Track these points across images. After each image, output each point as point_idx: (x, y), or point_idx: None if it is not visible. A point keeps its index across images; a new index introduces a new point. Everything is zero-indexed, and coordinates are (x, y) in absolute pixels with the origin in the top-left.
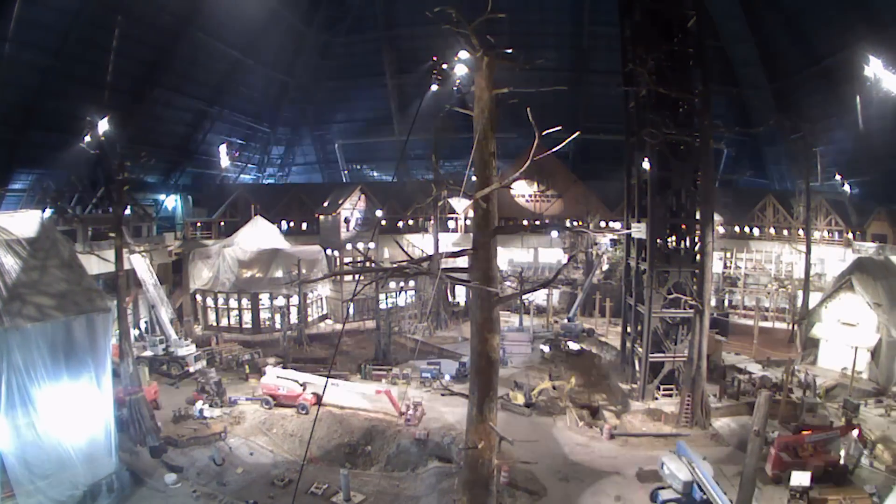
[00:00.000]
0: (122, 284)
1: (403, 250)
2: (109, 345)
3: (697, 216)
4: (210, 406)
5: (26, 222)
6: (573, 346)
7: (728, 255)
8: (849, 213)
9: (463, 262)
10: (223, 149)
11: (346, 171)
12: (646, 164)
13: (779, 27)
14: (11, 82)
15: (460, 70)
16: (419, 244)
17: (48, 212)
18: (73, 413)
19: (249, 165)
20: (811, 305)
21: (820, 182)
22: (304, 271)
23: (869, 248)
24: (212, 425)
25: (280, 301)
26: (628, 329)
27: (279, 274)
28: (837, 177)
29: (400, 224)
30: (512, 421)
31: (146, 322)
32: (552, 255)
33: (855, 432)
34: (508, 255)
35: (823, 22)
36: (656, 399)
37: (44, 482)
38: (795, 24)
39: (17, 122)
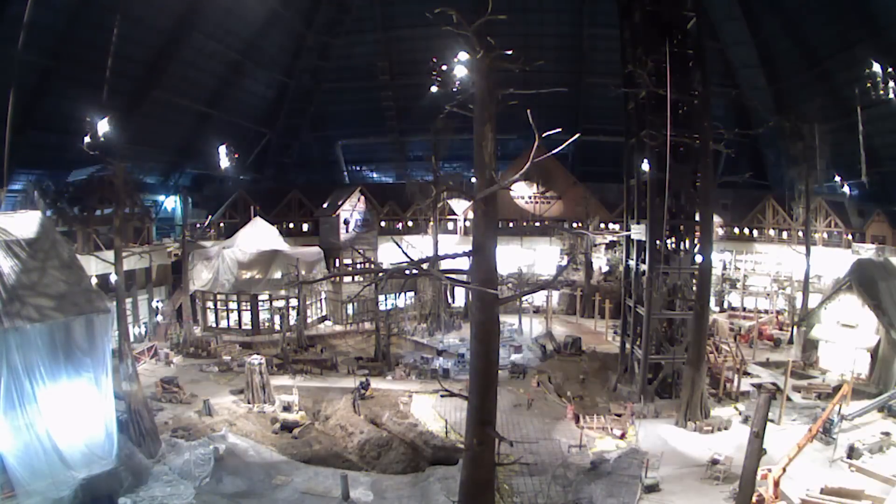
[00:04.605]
0: (120, 285)
1: (403, 252)
2: (109, 346)
3: (697, 217)
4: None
5: (26, 223)
6: None
7: (727, 256)
8: (848, 214)
9: (463, 263)
10: (223, 150)
11: (345, 173)
12: (645, 166)
13: (778, 29)
14: (11, 82)
15: (460, 71)
16: (419, 245)
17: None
18: (73, 413)
19: (249, 166)
20: (811, 307)
21: (819, 184)
22: (303, 272)
23: (868, 249)
24: (211, 424)
25: (279, 302)
26: (627, 330)
27: (278, 275)
28: (837, 178)
29: (399, 225)
30: None
31: (145, 323)
32: (552, 256)
33: None
34: (507, 256)
35: (823, 24)
36: (654, 400)
37: (43, 482)
38: (795, 26)
39: (16, 122)
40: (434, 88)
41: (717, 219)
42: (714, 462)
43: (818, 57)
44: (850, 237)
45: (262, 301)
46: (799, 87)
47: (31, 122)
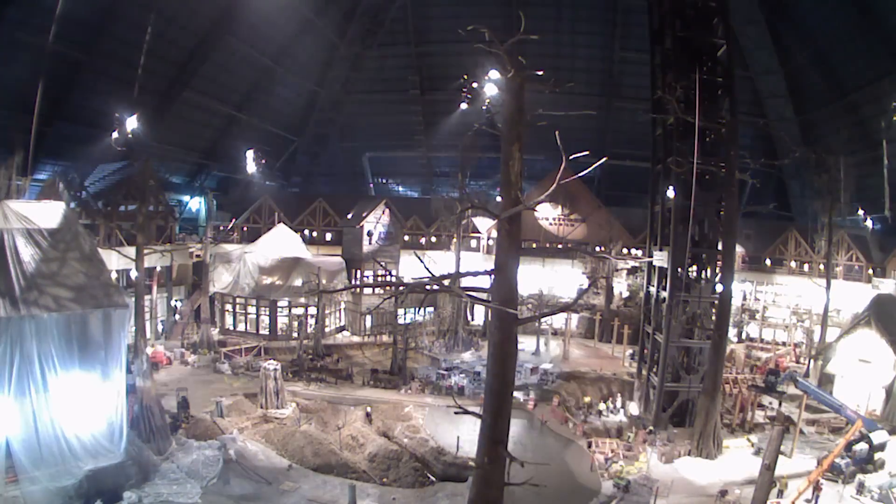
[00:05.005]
0: (140, 282)
1: (425, 267)
2: (125, 340)
3: (719, 247)
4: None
5: (50, 213)
6: None
7: (748, 286)
8: (870, 248)
9: (483, 281)
10: (250, 154)
11: (371, 185)
12: (670, 193)
13: (808, 60)
14: (43, 73)
15: (490, 90)
16: (441, 262)
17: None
18: (83, 405)
19: (275, 172)
20: (828, 341)
21: (842, 216)
22: (324, 282)
23: (889, 284)
24: (221, 425)
25: (298, 309)
26: (645, 357)
27: (299, 282)
28: (860, 212)
29: (423, 240)
30: None
31: (162, 321)
32: (573, 278)
33: None
34: (529, 277)
35: (852, 56)
36: (668, 428)
37: (48, 470)
38: (824, 57)
39: (44, 112)
40: (463, 105)
41: (739, 249)
42: (723, 493)
43: (846, 89)
44: (870, 272)
45: (282, 307)
46: (826, 118)
47: (60, 113)
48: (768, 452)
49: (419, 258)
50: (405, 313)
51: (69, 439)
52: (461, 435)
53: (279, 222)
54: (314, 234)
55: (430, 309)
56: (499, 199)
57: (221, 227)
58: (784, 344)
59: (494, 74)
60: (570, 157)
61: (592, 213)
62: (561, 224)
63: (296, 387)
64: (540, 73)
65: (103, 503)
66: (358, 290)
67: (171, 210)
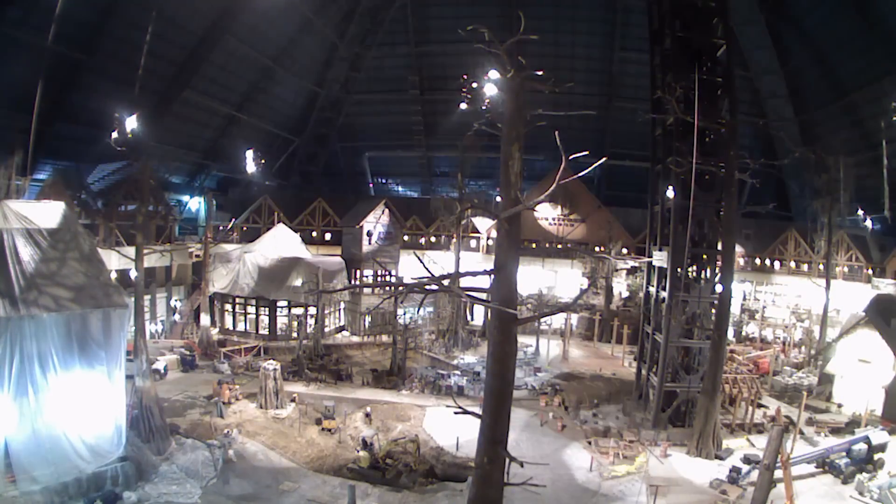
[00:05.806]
0: (140, 282)
1: (425, 267)
2: (125, 340)
3: (719, 247)
4: None
5: (49, 212)
6: None
7: (748, 287)
8: (869, 248)
9: (483, 281)
10: (250, 154)
11: (371, 185)
12: (670, 193)
13: (807, 60)
14: (43, 73)
15: (490, 90)
16: (441, 261)
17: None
18: (83, 405)
19: (275, 172)
20: (828, 341)
21: (842, 217)
22: (323, 282)
23: (888, 284)
24: (220, 424)
25: (298, 310)
26: (644, 357)
27: (298, 283)
28: (860, 212)
29: (422, 240)
30: None
31: (162, 321)
32: (573, 278)
33: None
34: (528, 277)
35: (852, 56)
36: (668, 428)
37: (47, 470)
38: (824, 58)
39: (43, 112)
40: (463, 105)
41: (738, 248)
42: (723, 493)
43: (845, 89)
44: (870, 272)
45: (281, 307)
46: (825, 118)
47: (59, 113)
48: (768, 452)
49: (419, 258)
50: (405, 313)
51: (68, 439)
52: (461, 435)
53: (279, 222)
54: (314, 234)
55: (430, 309)
56: (499, 199)
57: (221, 227)
58: (775, 341)
59: (494, 74)
60: (570, 157)
61: (592, 213)
62: (561, 224)
63: (295, 387)
64: (540, 73)
65: (102, 503)
66: (358, 290)
67: (170, 209)
